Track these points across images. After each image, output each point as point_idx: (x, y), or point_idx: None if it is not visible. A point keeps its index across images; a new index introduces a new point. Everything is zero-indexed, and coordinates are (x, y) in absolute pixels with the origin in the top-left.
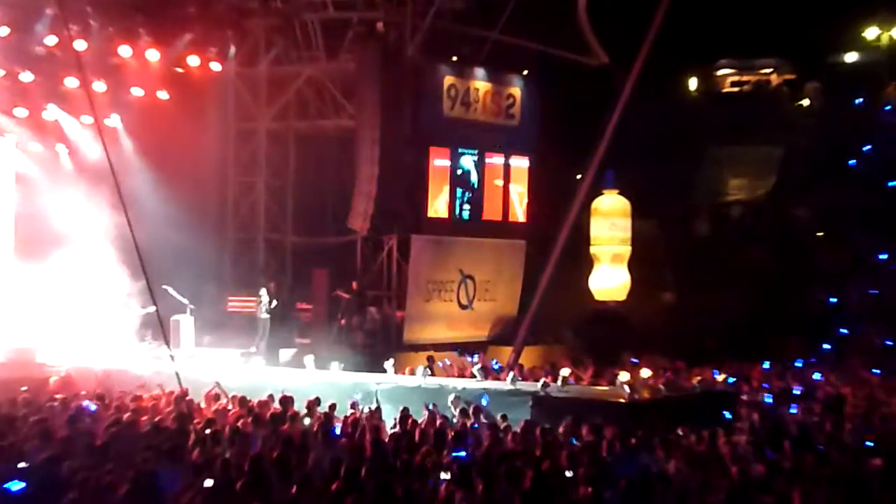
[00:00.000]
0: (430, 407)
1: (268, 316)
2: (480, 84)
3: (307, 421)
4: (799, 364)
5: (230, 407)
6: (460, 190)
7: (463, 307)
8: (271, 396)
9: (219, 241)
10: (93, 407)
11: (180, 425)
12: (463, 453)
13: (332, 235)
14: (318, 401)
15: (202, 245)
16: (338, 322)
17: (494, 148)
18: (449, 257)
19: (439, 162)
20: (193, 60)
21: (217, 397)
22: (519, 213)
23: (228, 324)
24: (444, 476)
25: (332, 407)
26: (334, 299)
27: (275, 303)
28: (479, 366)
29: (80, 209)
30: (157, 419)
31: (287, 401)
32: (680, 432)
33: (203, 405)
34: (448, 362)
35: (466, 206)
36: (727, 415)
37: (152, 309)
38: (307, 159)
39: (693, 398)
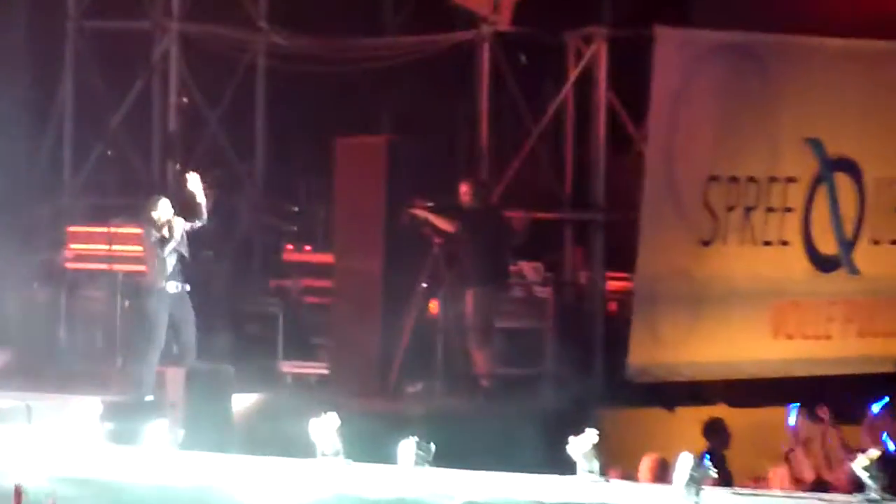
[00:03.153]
0: None
1: (178, 287)
2: None
3: None
4: None
5: None
6: None
7: (823, 263)
8: None
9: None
10: None
11: None
12: None
13: (395, 31)
14: None
15: None
16: (419, 303)
17: None
18: (774, 99)
19: None
20: None
21: None
22: None
23: (72, 310)
24: None
25: None
26: (408, 230)
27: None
28: (869, 455)
29: None
30: None
31: None
32: None
33: None
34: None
35: None
36: None
37: None
38: None
39: None
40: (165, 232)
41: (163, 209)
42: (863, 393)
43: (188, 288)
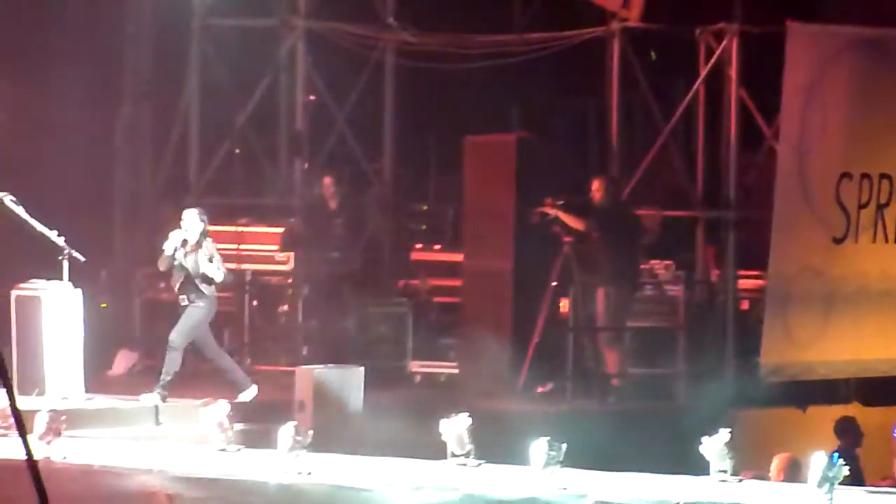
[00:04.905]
0: None
1: (185, 302)
2: None
3: None
4: None
5: None
6: None
7: None
8: None
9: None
10: None
11: None
12: None
13: (524, 27)
14: None
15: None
16: (549, 302)
17: None
18: None
19: None
20: None
21: None
22: None
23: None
24: None
25: None
26: (539, 229)
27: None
28: None
29: None
30: None
31: None
32: None
33: None
34: None
35: None
36: None
37: None
38: None
39: None
40: (180, 245)
41: (188, 221)
42: None
43: (198, 304)
